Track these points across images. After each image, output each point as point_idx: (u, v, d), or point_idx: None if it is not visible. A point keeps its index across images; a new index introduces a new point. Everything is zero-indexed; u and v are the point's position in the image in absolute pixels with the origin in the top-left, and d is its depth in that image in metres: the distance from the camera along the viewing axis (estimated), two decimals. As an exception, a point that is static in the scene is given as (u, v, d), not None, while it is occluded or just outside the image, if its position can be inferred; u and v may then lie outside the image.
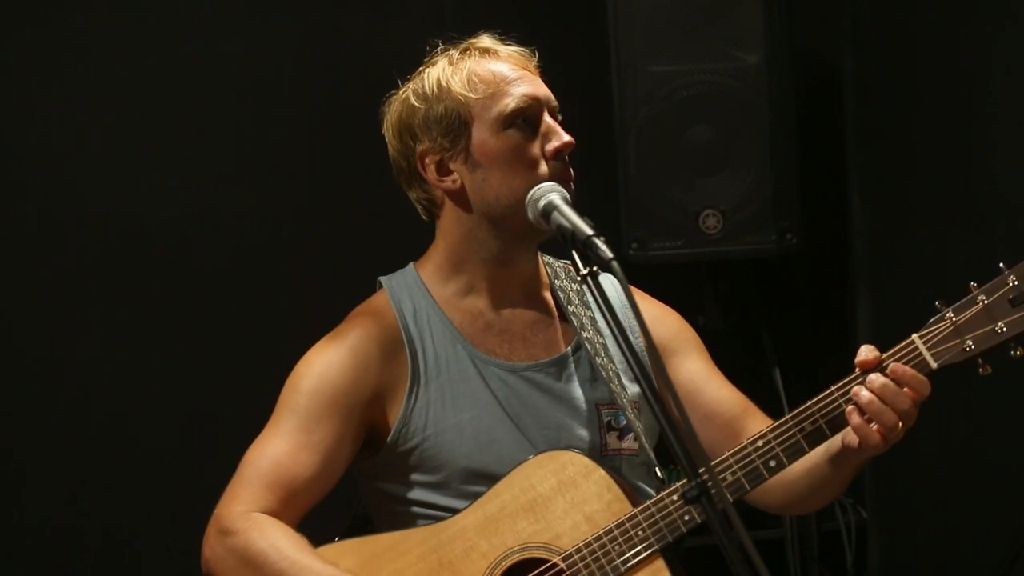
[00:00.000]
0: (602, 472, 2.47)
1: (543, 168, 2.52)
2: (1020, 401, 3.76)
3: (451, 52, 2.62)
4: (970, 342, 2.38)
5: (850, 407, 2.38)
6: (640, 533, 2.41)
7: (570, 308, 2.65)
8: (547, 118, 2.56)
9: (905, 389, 2.37)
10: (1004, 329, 2.37)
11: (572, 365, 2.62)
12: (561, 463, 2.48)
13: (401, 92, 2.64)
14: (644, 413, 2.62)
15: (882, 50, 4.26)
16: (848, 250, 4.34)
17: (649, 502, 2.43)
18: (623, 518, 2.43)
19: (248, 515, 2.46)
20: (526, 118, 2.54)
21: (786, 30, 4.08)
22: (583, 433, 2.58)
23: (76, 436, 4.02)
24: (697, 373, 2.69)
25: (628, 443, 2.61)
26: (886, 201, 4.26)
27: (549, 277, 2.70)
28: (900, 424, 2.37)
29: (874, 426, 2.37)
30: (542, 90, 2.58)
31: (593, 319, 2.65)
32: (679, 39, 4.04)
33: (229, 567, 2.45)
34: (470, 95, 2.54)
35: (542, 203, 2.41)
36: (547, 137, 2.55)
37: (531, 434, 2.55)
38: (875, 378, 2.38)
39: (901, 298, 4.19)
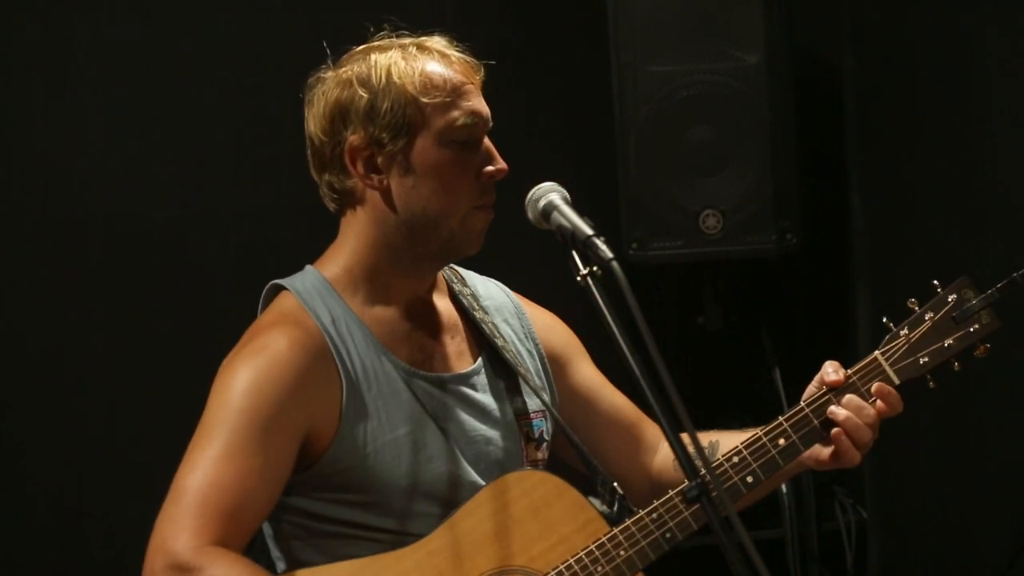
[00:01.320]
0: (575, 492, 2.42)
1: (475, 190, 2.46)
2: (1020, 401, 3.76)
3: (404, 44, 2.50)
4: (925, 358, 2.52)
5: (836, 430, 2.46)
6: (622, 553, 2.36)
7: (476, 315, 2.58)
8: (486, 139, 2.49)
9: (878, 402, 2.47)
10: (951, 345, 2.52)
11: (485, 376, 2.54)
12: (532, 483, 2.41)
13: (340, 71, 2.48)
14: (548, 421, 2.59)
15: (882, 50, 4.26)
16: (848, 250, 4.34)
17: (629, 521, 2.38)
18: (604, 538, 2.37)
19: (203, 550, 2.25)
20: (471, 136, 2.46)
21: (786, 30, 4.07)
22: (507, 444, 2.52)
23: (76, 435, 4.02)
24: (592, 380, 2.68)
25: (543, 452, 2.58)
26: (886, 201, 4.25)
27: (447, 282, 2.61)
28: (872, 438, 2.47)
29: (849, 442, 2.46)
30: (486, 108, 2.49)
31: (496, 326, 2.59)
32: (679, 39, 4.04)
33: None
34: (422, 98, 2.43)
35: (542, 203, 2.35)
36: (485, 159, 2.46)
37: (460, 447, 2.46)
38: (852, 399, 2.48)
39: (901, 298, 4.19)
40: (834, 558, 4.33)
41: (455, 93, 2.46)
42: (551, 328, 2.69)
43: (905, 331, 2.55)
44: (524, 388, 2.56)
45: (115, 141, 4.05)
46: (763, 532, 4.16)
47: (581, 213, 2.31)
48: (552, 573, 2.35)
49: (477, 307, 2.60)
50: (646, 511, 2.39)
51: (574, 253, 2.25)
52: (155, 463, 4.12)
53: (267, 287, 2.56)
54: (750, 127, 4.04)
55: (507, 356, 2.55)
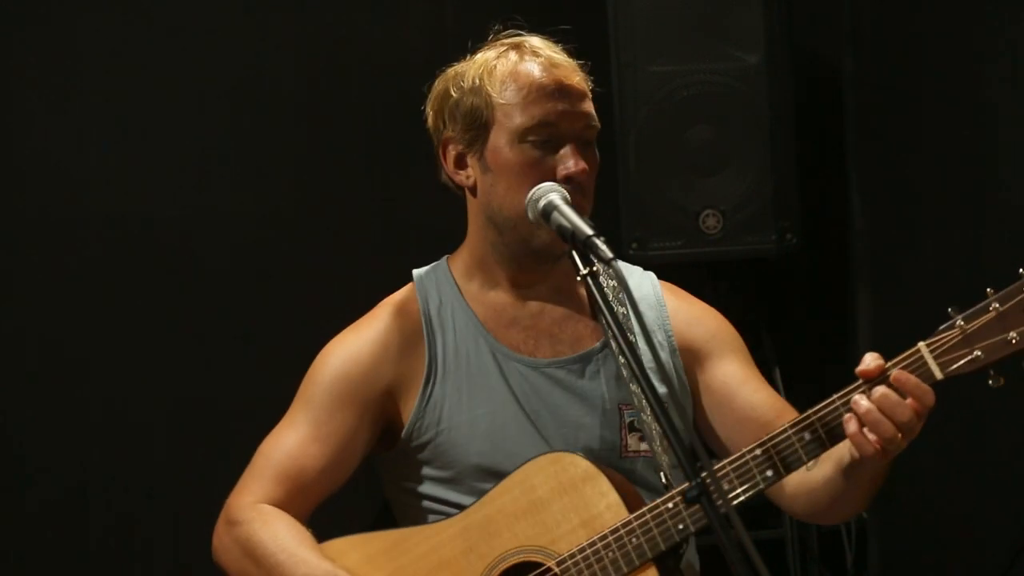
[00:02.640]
0: (603, 477, 2.42)
1: None
2: (1020, 402, 3.76)
3: (504, 44, 2.55)
4: (979, 351, 2.26)
5: (848, 415, 2.30)
6: (634, 540, 2.36)
7: (603, 304, 2.57)
8: (572, 141, 2.47)
9: (908, 400, 2.27)
10: (1016, 339, 2.25)
11: (598, 362, 2.56)
12: (563, 465, 2.44)
13: (451, 70, 2.57)
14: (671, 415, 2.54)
15: (882, 50, 4.26)
16: (848, 250, 4.34)
17: (644, 508, 2.38)
18: (619, 524, 2.38)
19: (255, 506, 2.47)
20: (548, 136, 2.47)
21: (786, 30, 4.07)
22: (603, 433, 2.52)
23: (77, 434, 4.02)
24: (732, 376, 2.61)
25: (646, 444, 2.55)
26: (886, 201, 4.26)
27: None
28: (900, 435, 2.27)
29: (872, 436, 2.27)
30: (578, 108, 2.50)
31: (626, 317, 2.58)
32: (679, 39, 4.04)
33: (233, 557, 2.47)
34: (498, 98, 2.48)
35: (542, 203, 2.37)
36: (563, 159, 2.46)
37: (548, 432, 2.50)
38: (885, 394, 2.28)
39: (901, 298, 4.20)
40: (834, 558, 4.33)
41: (538, 92, 2.48)
42: (695, 321, 2.65)
43: (962, 321, 2.26)
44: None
45: (115, 141, 4.06)
46: (763, 532, 4.16)
47: (581, 213, 2.31)
48: (566, 555, 2.39)
49: (611, 296, 2.57)
50: (662, 500, 2.37)
51: (574, 253, 2.26)
52: (156, 462, 4.15)
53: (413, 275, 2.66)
54: (750, 127, 4.04)
55: (612, 345, 2.52)
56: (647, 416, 2.52)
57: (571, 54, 2.60)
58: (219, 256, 4.11)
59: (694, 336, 2.63)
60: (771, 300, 4.45)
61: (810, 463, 2.37)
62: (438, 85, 2.58)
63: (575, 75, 2.54)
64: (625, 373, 2.52)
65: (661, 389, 2.46)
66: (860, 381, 2.32)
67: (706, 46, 4.03)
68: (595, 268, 2.22)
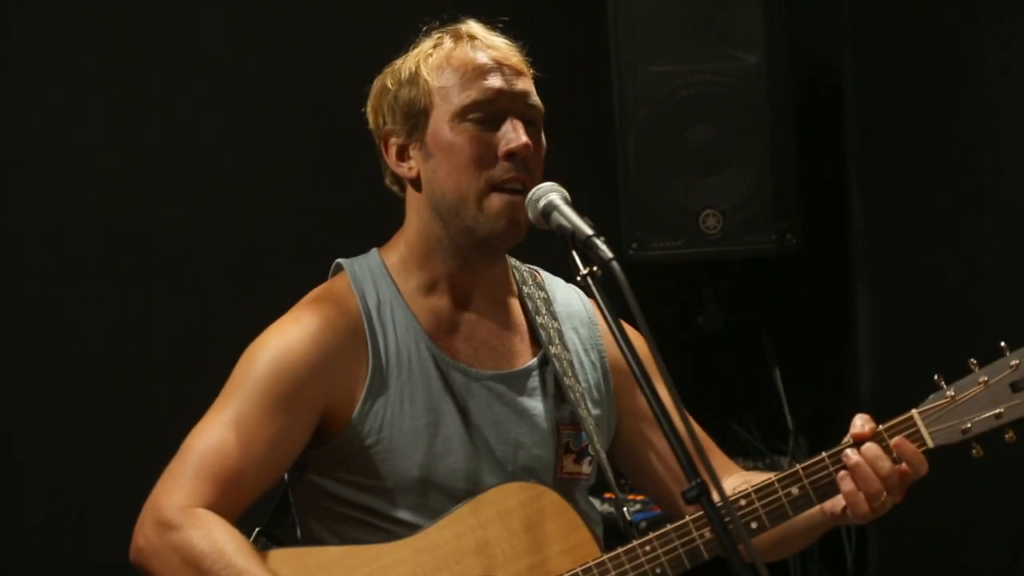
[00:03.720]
0: (572, 512, 2.38)
1: (495, 170, 2.42)
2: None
3: (441, 34, 2.52)
4: (968, 424, 2.34)
5: (843, 472, 2.33)
6: None
7: (538, 319, 2.54)
8: (513, 118, 2.44)
9: (903, 465, 2.33)
10: (1003, 414, 2.33)
11: (536, 379, 2.51)
12: (530, 496, 2.37)
13: (387, 67, 2.54)
14: (603, 439, 2.53)
15: (882, 50, 4.26)
16: (848, 250, 4.34)
17: (620, 550, 2.32)
18: (591, 563, 2.32)
19: (190, 510, 2.30)
20: (487, 113, 2.43)
21: (786, 30, 4.08)
22: (540, 452, 2.47)
23: (77, 435, 4.02)
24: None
25: (585, 467, 2.52)
26: (886, 201, 4.26)
27: (517, 283, 2.59)
28: (885, 495, 2.33)
29: (861, 494, 2.32)
30: (516, 86, 2.46)
31: (561, 333, 2.55)
32: (679, 39, 4.04)
33: (168, 563, 2.30)
34: (435, 83, 2.44)
35: (542, 203, 2.32)
36: (504, 135, 2.42)
37: (488, 447, 2.44)
38: (870, 447, 2.33)
39: (901, 298, 4.20)
40: (834, 558, 4.33)
41: (474, 72, 2.45)
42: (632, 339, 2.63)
43: (952, 392, 2.34)
44: (577, 400, 2.50)
45: (115, 141, 4.05)
46: (763, 532, 4.16)
47: (581, 213, 2.30)
48: None
49: (544, 311, 2.56)
50: (639, 542, 2.33)
51: (574, 253, 2.23)
52: (155, 462, 4.14)
53: (333, 264, 2.56)
54: (750, 127, 4.05)
55: (556, 364, 2.50)
56: (595, 439, 2.49)
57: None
58: (219, 256, 4.10)
59: (623, 359, 2.56)
60: (771, 300, 4.45)
61: None
62: (375, 83, 2.54)
63: (512, 56, 2.49)
64: (573, 396, 2.47)
65: (595, 411, 2.49)
66: (851, 442, 2.35)
67: (706, 46, 4.04)
68: (595, 268, 2.18)
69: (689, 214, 4.06)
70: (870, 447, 2.33)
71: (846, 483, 2.33)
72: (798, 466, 2.35)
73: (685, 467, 2.05)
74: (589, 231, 2.21)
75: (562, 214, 2.29)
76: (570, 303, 2.63)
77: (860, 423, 2.37)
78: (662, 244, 4.07)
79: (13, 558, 4.00)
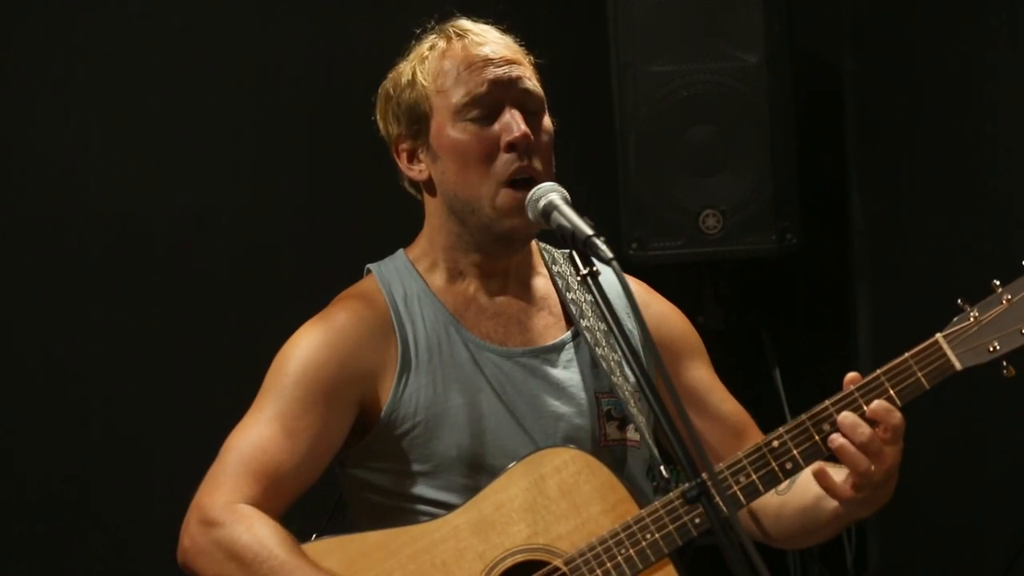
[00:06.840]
0: (607, 472, 2.38)
1: (500, 164, 2.43)
2: (1020, 401, 3.76)
3: (434, 37, 2.53)
4: (996, 343, 2.29)
5: (834, 435, 2.31)
6: (648, 536, 2.30)
7: (569, 295, 2.56)
8: (510, 108, 2.44)
9: (880, 429, 2.31)
10: None
11: (571, 352, 2.52)
12: (563, 461, 2.38)
13: (389, 75, 2.57)
14: (643, 408, 2.52)
15: (882, 50, 4.26)
16: (848, 250, 4.35)
17: (657, 503, 2.33)
18: (630, 520, 2.32)
19: (233, 507, 2.34)
20: (485, 107, 2.44)
21: (786, 30, 4.08)
22: (580, 422, 2.47)
23: (77, 435, 4.02)
24: (700, 381, 2.60)
25: (630, 433, 2.51)
26: (886, 201, 4.26)
27: (546, 263, 2.60)
28: (873, 467, 2.32)
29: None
30: (510, 75, 2.46)
31: (595, 305, 2.52)
32: (679, 39, 4.04)
33: (214, 560, 2.34)
34: (431, 85, 2.46)
35: (542, 203, 2.33)
36: (505, 127, 2.43)
37: (527, 422, 2.45)
38: (847, 415, 2.30)
39: (901, 298, 4.20)
40: (834, 558, 4.32)
41: (467, 69, 2.46)
42: (664, 319, 2.62)
43: (976, 312, 2.30)
44: (611, 369, 2.50)
45: (115, 141, 4.06)
46: (763, 532, 4.16)
47: (581, 213, 2.30)
48: (575, 553, 2.33)
49: (576, 288, 2.56)
50: (675, 494, 2.32)
51: (574, 253, 2.24)
52: (156, 461, 4.15)
53: (364, 269, 2.60)
54: (750, 127, 4.05)
55: (588, 336, 2.51)
56: (634, 408, 2.49)
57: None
58: (220, 256, 4.10)
59: (663, 334, 2.58)
60: (771, 300, 4.45)
61: (782, 486, 2.38)
62: (380, 91, 2.57)
63: (504, 47, 2.50)
64: (606, 365, 2.48)
65: (632, 379, 2.48)
66: (837, 397, 2.33)
67: (706, 46, 4.04)
68: (595, 268, 2.19)
69: (689, 214, 4.06)
70: (846, 416, 2.31)
71: (838, 443, 2.31)
72: (827, 402, 2.33)
73: (684, 465, 2.06)
74: (589, 231, 2.21)
75: (562, 214, 2.30)
76: (605, 278, 2.63)
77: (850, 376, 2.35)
78: (662, 244, 4.07)
79: (13, 558, 4.00)
